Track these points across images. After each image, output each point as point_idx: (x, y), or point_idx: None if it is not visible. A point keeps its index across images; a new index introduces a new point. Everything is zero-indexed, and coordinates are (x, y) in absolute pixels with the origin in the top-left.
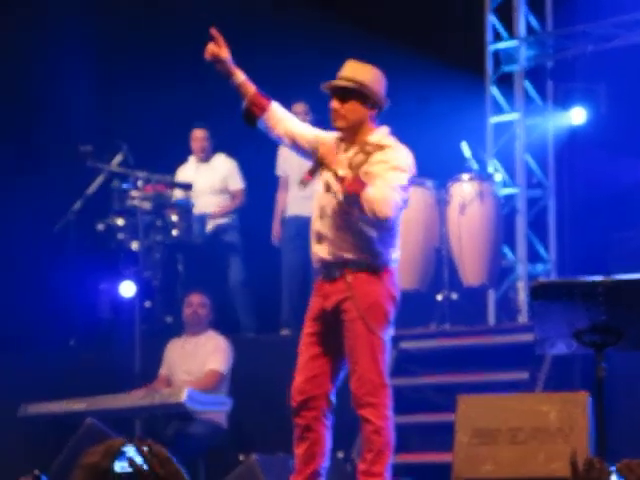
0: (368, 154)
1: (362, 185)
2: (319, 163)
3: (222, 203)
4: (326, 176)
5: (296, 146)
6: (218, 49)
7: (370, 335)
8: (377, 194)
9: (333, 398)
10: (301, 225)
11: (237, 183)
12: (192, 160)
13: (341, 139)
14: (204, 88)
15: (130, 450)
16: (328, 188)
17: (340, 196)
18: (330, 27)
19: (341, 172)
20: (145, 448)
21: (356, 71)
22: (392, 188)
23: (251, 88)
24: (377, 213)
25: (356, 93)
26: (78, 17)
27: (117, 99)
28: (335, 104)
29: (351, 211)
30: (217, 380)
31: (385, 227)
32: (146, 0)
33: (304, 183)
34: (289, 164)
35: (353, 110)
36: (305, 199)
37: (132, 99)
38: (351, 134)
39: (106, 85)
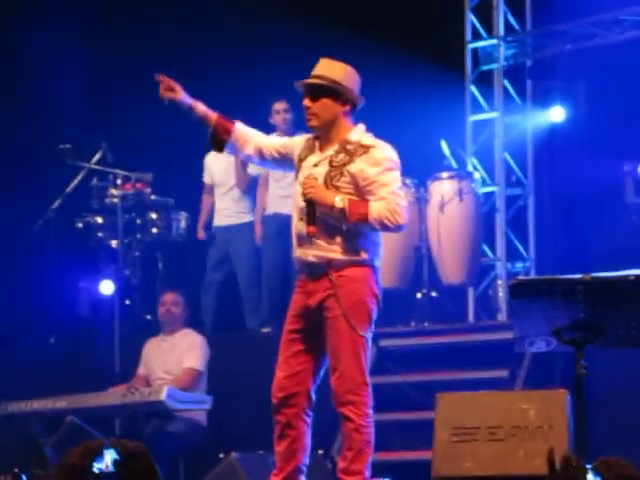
0: (351, 154)
1: (364, 207)
2: (312, 206)
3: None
4: (303, 174)
5: (265, 161)
6: (172, 92)
7: (353, 333)
8: (383, 209)
9: (313, 395)
10: (281, 223)
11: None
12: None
13: (316, 137)
14: (188, 85)
15: (110, 451)
16: None
17: (345, 224)
18: (311, 24)
19: (337, 203)
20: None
21: (328, 68)
22: (395, 194)
23: (213, 115)
24: (390, 226)
25: (328, 90)
26: (62, 15)
27: (98, 97)
28: (306, 102)
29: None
30: (194, 378)
31: (402, 230)
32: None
33: (312, 235)
34: None
35: (325, 107)
36: (284, 197)
37: (114, 97)
38: (326, 132)
39: (87, 83)
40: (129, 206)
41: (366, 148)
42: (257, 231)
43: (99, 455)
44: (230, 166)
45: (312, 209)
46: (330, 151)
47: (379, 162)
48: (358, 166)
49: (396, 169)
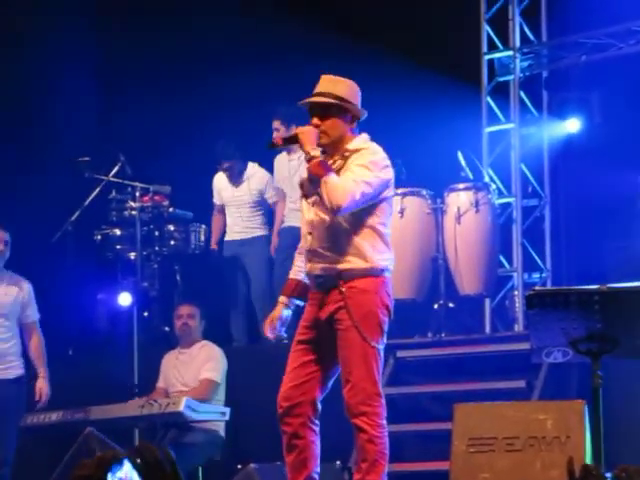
0: (346, 158)
1: (326, 170)
2: (295, 136)
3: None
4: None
5: None
6: None
7: (364, 344)
8: (337, 182)
9: (319, 405)
10: (295, 235)
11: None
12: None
13: (322, 152)
14: (204, 100)
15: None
16: (314, 202)
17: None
18: (329, 37)
19: (312, 152)
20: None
21: (332, 85)
22: (354, 181)
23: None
24: (332, 200)
25: (335, 108)
26: (78, 30)
27: (116, 110)
28: (315, 121)
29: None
30: (211, 389)
31: (337, 215)
32: (146, 12)
33: (273, 145)
34: (281, 176)
35: (333, 126)
36: (297, 211)
37: (131, 110)
38: (332, 148)
39: (105, 96)
40: (147, 218)
41: (359, 151)
42: (273, 242)
43: (113, 466)
44: (239, 185)
45: (293, 140)
46: (331, 161)
47: (364, 160)
48: (349, 166)
49: (373, 171)
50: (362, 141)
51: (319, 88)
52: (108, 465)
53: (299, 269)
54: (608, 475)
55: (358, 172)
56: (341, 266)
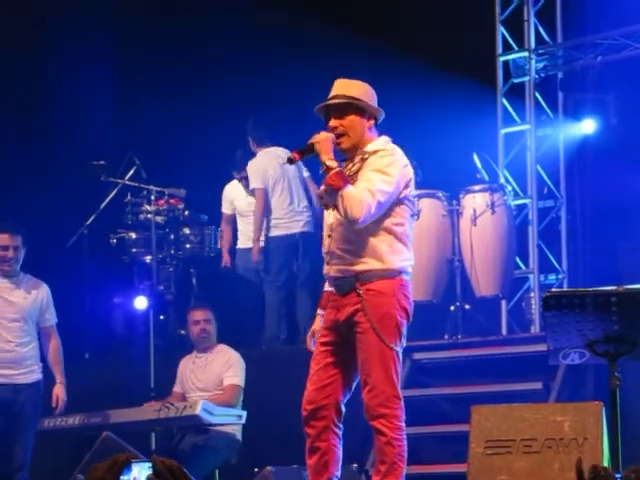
0: (364, 160)
1: (343, 181)
2: (312, 146)
3: None
4: None
5: None
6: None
7: (382, 347)
8: (353, 194)
9: (343, 408)
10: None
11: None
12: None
13: (343, 160)
14: (219, 102)
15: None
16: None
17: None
18: (345, 41)
19: (329, 162)
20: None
21: (346, 88)
22: (370, 192)
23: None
24: (347, 212)
25: (352, 107)
26: (94, 33)
27: (131, 114)
28: (333, 122)
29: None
30: (238, 394)
31: (354, 226)
32: (163, 14)
33: (291, 161)
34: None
35: (353, 124)
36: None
37: (146, 113)
38: (353, 150)
39: (120, 100)
40: (163, 222)
41: (376, 152)
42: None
43: (126, 469)
44: (251, 194)
45: (309, 150)
46: (350, 164)
47: (381, 164)
48: (366, 168)
49: (392, 175)
50: (381, 143)
51: (333, 91)
52: (121, 468)
53: None
54: (618, 476)
55: (374, 180)
56: (358, 268)
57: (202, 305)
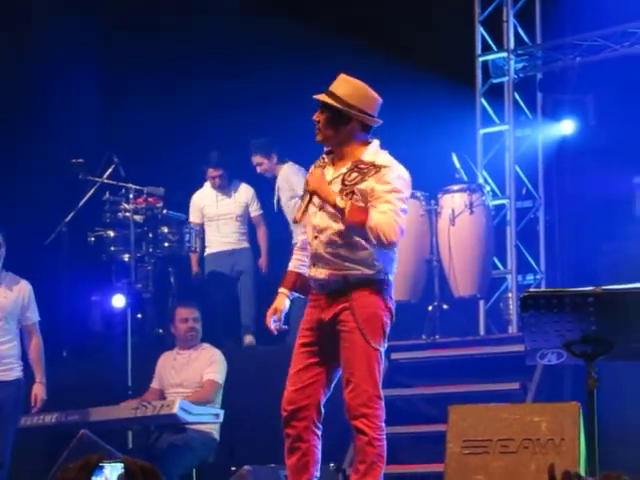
0: (364, 174)
1: (364, 214)
2: (312, 194)
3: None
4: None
5: None
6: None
7: (367, 346)
8: (381, 221)
9: (322, 409)
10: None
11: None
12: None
13: (327, 152)
14: (198, 102)
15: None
16: (321, 207)
17: (342, 224)
18: (324, 39)
19: (338, 203)
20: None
21: (338, 86)
22: (395, 212)
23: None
24: (382, 240)
25: (331, 107)
26: (77, 31)
27: (110, 112)
28: (315, 115)
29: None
30: (215, 390)
31: (387, 249)
32: (145, 14)
33: (298, 221)
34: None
35: (325, 123)
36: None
37: (125, 112)
38: (338, 150)
39: (100, 98)
40: (141, 220)
41: (378, 168)
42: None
43: (98, 470)
44: (222, 199)
45: (311, 198)
46: (343, 169)
47: (389, 182)
48: (369, 184)
49: (404, 192)
50: (375, 152)
51: (331, 86)
52: (93, 468)
53: (300, 262)
54: None
55: (394, 201)
56: (346, 272)
57: (189, 303)
